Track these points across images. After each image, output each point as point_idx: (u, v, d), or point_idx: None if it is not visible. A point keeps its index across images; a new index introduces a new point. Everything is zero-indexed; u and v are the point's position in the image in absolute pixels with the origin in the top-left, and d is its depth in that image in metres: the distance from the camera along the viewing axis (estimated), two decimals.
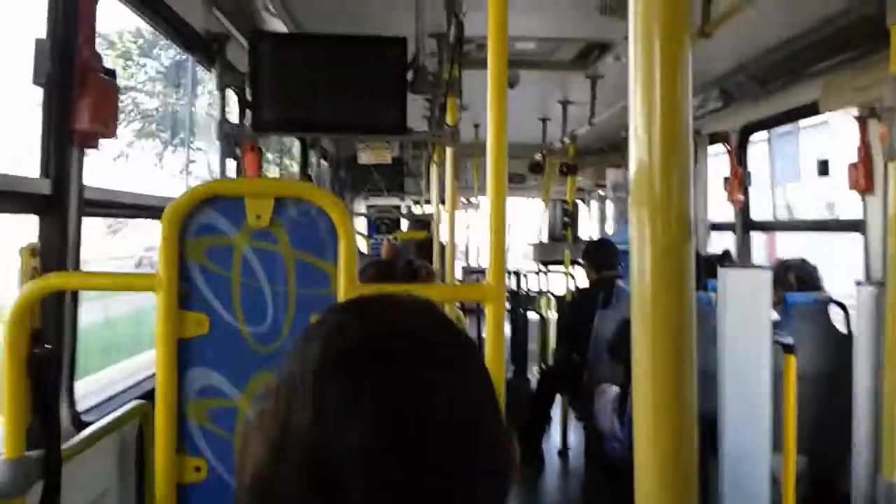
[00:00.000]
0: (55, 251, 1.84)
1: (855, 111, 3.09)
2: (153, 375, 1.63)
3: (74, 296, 1.96)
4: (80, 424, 1.92)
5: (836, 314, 3.06)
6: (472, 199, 8.29)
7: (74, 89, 1.88)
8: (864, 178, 3.02)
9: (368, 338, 0.64)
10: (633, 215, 0.52)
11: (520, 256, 10.07)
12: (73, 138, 1.91)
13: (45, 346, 1.54)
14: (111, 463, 1.84)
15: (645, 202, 0.51)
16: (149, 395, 1.76)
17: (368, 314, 0.67)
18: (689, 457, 0.50)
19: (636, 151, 0.52)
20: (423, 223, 7.73)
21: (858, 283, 2.36)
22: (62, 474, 1.51)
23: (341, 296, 1.53)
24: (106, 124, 1.97)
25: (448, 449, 0.60)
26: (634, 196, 0.52)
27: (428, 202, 7.92)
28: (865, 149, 3.03)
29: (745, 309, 2.20)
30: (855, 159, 3.07)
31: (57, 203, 1.87)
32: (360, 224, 9.03)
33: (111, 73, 2.02)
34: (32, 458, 1.45)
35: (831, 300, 3.06)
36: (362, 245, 8.37)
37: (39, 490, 1.50)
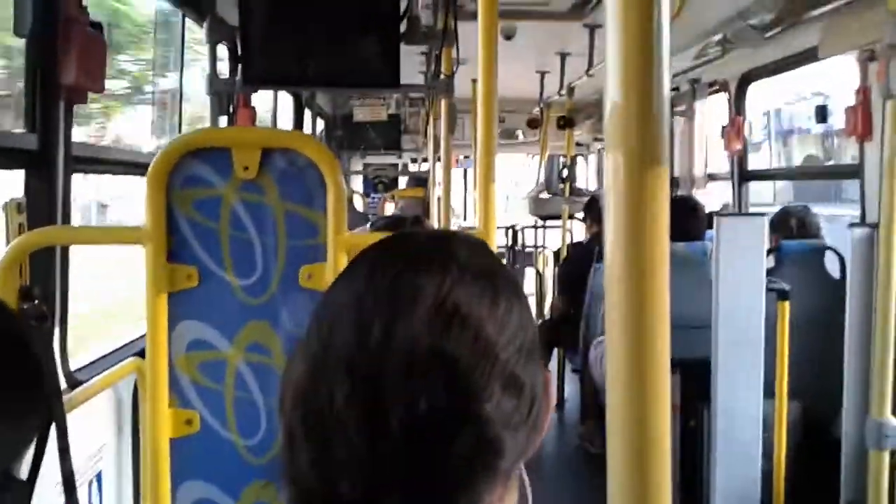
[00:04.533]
0: (43, 207, 1.83)
1: (855, 54, 3.05)
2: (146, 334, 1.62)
3: (65, 252, 1.95)
4: (73, 382, 1.93)
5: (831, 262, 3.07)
6: (469, 156, 8.24)
7: (59, 42, 1.85)
8: (861, 123, 2.99)
9: (411, 265, 0.64)
10: (609, 161, 0.50)
11: (522, 212, 10.06)
12: (60, 93, 1.88)
13: (35, 302, 1.54)
14: (107, 419, 1.86)
15: (620, 146, 0.49)
16: (143, 353, 1.77)
17: (412, 246, 0.69)
18: (661, 409, 0.49)
19: (610, 94, 0.50)
20: (421, 180, 7.71)
21: (852, 225, 2.34)
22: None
23: (330, 245, 1.53)
24: (93, 78, 1.94)
25: (489, 381, 0.61)
26: (609, 141, 0.50)
27: (426, 160, 7.89)
28: (864, 93, 3.00)
29: (740, 256, 2.20)
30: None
31: (43, 158, 1.85)
32: (357, 183, 8.99)
33: (97, 26, 1.99)
34: None
35: (826, 247, 3.06)
36: (359, 204, 8.35)
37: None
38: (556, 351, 5.16)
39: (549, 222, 6.90)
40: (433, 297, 0.61)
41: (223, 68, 2.63)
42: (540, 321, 5.81)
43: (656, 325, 0.49)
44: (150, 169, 1.52)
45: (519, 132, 7.97)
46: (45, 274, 1.85)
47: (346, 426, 0.59)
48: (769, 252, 2.57)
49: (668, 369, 0.49)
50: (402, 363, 0.59)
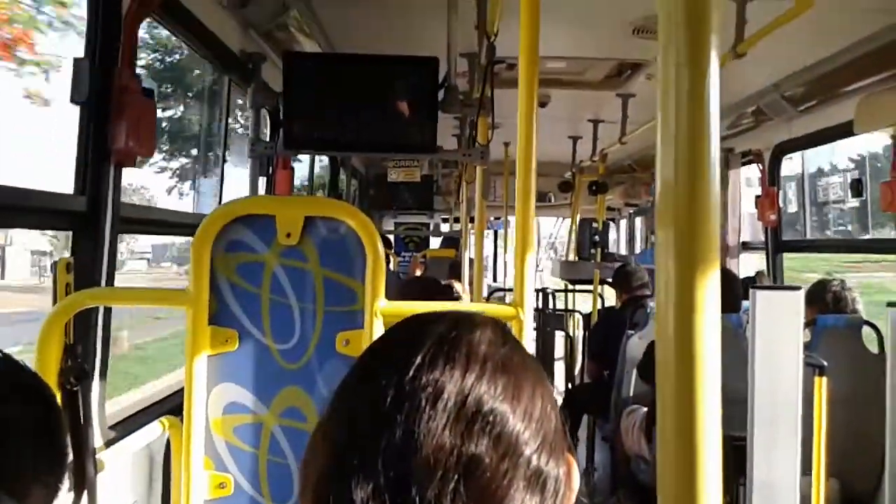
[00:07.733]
0: (89, 267, 1.87)
1: (890, 131, 3.05)
2: (181, 390, 1.64)
3: (107, 312, 1.99)
4: (109, 439, 1.95)
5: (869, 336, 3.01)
6: (499, 218, 8.29)
7: (112, 108, 1.92)
8: None
9: (433, 359, 0.64)
10: (660, 236, 0.52)
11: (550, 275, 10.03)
12: (110, 157, 1.94)
13: (77, 360, 1.57)
14: (139, 477, 1.87)
15: (671, 223, 0.51)
16: (177, 410, 1.78)
17: (434, 334, 0.67)
18: (712, 481, 0.50)
19: (662, 172, 0.51)
20: (452, 241, 7.75)
21: (890, 304, 2.31)
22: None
23: (368, 313, 1.55)
24: (143, 143, 2.01)
25: (514, 480, 0.61)
26: (660, 217, 0.52)
27: (457, 220, 7.94)
28: None
29: (777, 329, 2.17)
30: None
31: (92, 220, 1.91)
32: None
33: (149, 93, 2.06)
34: None
35: (864, 322, 3.01)
36: (391, 262, 8.40)
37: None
38: (585, 418, 5.09)
39: (579, 286, 6.86)
40: (455, 395, 0.61)
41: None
42: (570, 386, 5.75)
43: (709, 398, 0.49)
44: (196, 234, 1.56)
45: (550, 195, 8.02)
46: (86, 331, 1.89)
47: None
48: (805, 325, 2.54)
49: (719, 441, 0.49)
50: (425, 464, 0.59)
